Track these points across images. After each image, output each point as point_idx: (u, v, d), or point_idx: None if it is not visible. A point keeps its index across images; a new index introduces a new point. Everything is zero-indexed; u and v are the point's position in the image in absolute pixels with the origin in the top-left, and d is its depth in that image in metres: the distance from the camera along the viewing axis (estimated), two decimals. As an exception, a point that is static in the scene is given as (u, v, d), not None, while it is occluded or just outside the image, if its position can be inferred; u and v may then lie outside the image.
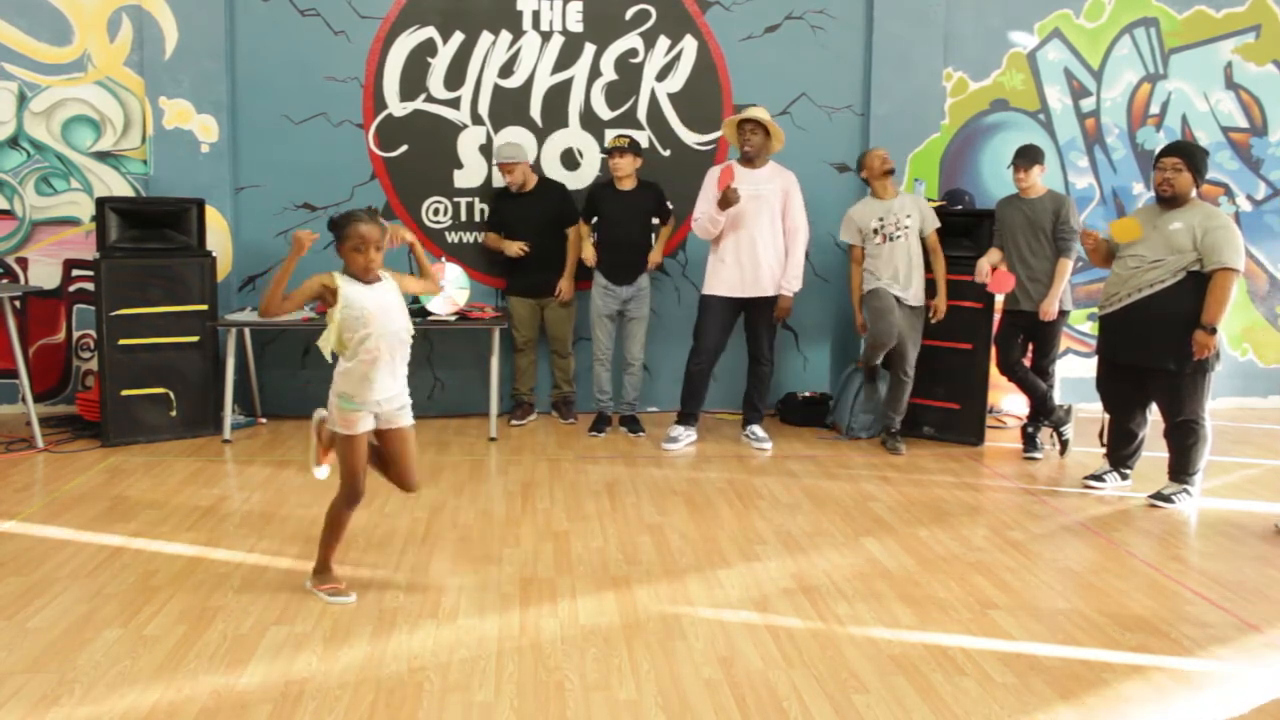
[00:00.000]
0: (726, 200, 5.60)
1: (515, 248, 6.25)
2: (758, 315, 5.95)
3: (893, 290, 5.87)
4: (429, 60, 6.54)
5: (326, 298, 3.53)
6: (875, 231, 5.89)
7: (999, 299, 5.89)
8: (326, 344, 3.56)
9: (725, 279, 5.86)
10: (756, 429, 6.04)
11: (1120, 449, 5.21)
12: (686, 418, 6.04)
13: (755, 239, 5.78)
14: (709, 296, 5.93)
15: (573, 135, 6.65)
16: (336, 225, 3.54)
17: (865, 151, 6.08)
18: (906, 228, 5.84)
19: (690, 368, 6.01)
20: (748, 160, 5.82)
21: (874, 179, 5.92)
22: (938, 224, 5.94)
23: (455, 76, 6.57)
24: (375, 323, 3.53)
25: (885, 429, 6.02)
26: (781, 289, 5.88)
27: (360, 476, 3.62)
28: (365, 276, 3.55)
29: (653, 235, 6.32)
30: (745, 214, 5.77)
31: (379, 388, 3.58)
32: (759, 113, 5.80)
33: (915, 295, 5.89)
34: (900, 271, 5.85)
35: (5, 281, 6.39)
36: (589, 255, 6.21)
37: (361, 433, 3.61)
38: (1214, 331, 4.70)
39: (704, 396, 6.06)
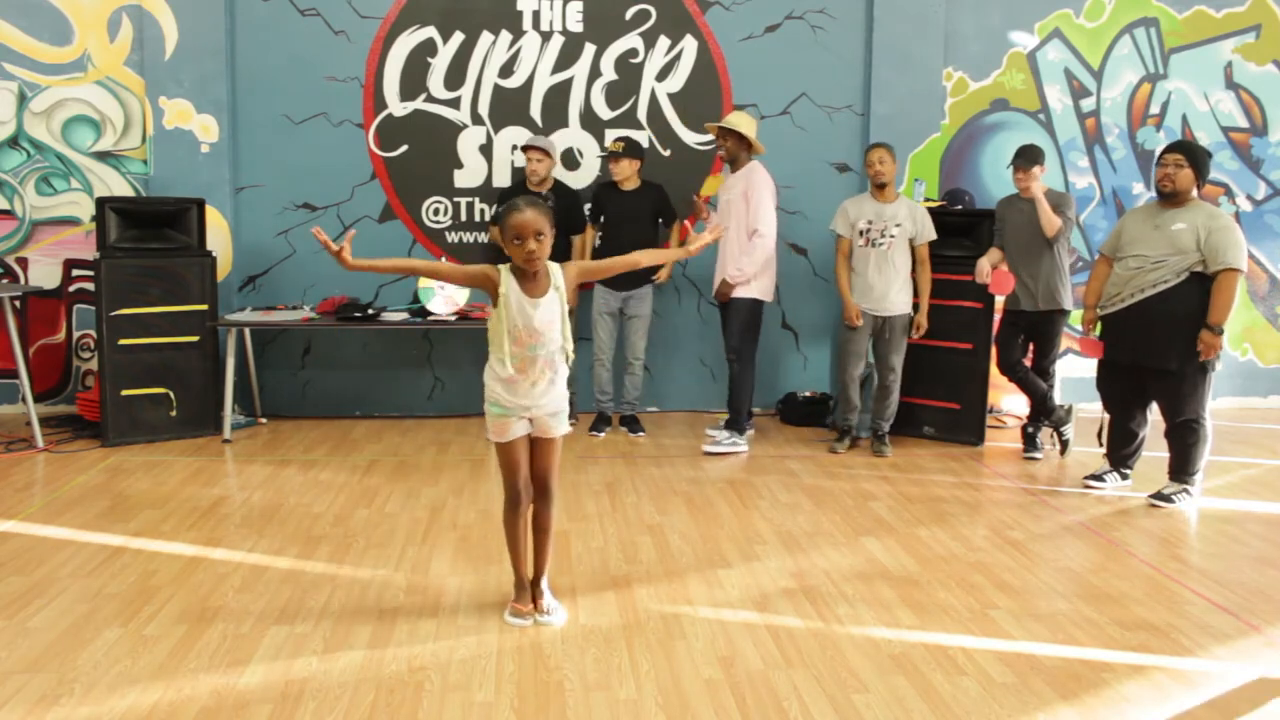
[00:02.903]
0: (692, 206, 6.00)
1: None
2: (724, 314, 5.98)
3: (865, 306, 5.83)
4: (429, 60, 6.54)
5: (488, 289, 3.33)
6: (861, 233, 5.85)
7: (999, 299, 5.89)
8: (502, 352, 3.37)
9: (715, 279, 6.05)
10: (718, 430, 5.97)
11: (1120, 449, 5.21)
12: (728, 422, 6.01)
13: (722, 243, 5.86)
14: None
15: (573, 135, 6.65)
16: (496, 218, 3.35)
17: (870, 146, 5.91)
18: (893, 236, 5.75)
19: None
20: (730, 164, 5.94)
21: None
22: (933, 236, 5.81)
23: (455, 76, 6.57)
24: (536, 339, 3.33)
25: (873, 432, 6.01)
26: (726, 272, 5.83)
27: (516, 477, 3.44)
28: (529, 269, 3.28)
29: (657, 237, 6.27)
30: (720, 219, 5.89)
31: (532, 394, 3.39)
32: (733, 120, 5.82)
33: (895, 305, 5.80)
34: (874, 282, 5.79)
35: (5, 281, 6.39)
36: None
37: (514, 439, 3.41)
38: (1220, 332, 4.70)
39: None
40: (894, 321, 5.83)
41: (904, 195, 5.96)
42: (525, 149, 6.19)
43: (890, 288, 5.79)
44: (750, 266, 5.77)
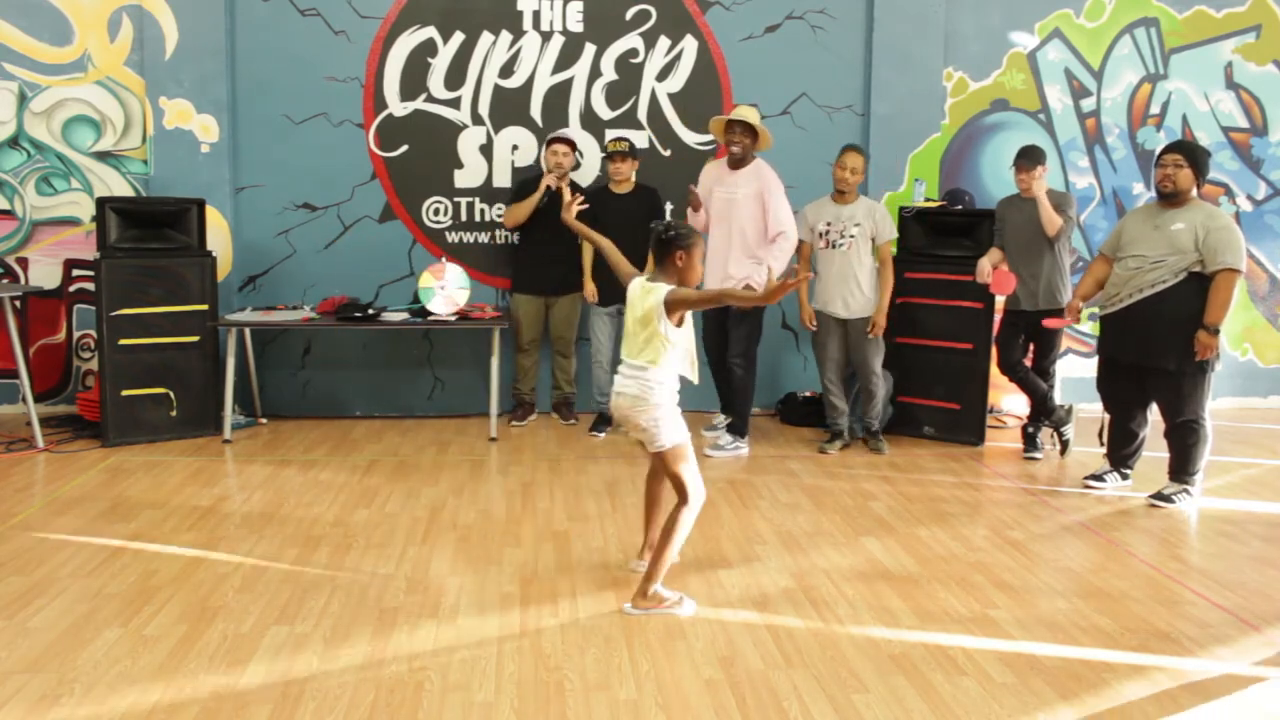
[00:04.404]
0: (690, 203, 5.84)
1: (551, 177, 6.16)
2: (726, 317, 5.88)
3: (829, 309, 5.83)
4: (429, 60, 6.54)
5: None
6: (821, 235, 5.85)
7: (999, 299, 5.88)
8: (687, 366, 3.63)
9: (706, 278, 5.91)
10: (721, 435, 5.95)
11: (1120, 449, 5.21)
12: (731, 425, 5.99)
13: (721, 243, 5.77)
14: None
15: (573, 136, 6.64)
16: (684, 235, 3.52)
17: (843, 148, 5.85)
18: (852, 236, 5.73)
19: None
20: (733, 161, 5.77)
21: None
22: (893, 235, 5.80)
23: (455, 76, 6.57)
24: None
25: (866, 429, 6.00)
26: (746, 278, 5.69)
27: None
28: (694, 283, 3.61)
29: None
30: (718, 217, 5.80)
31: None
32: (747, 113, 5.72)
33: (858, 308, 5.78)
34: (834, 284, 5.78)
35: (5, 281, 6.39)
36: (590, 292, 6.23)
37: None
38: (1216, 332, 4.70)
39: (727, 397, 6.01)
40: (859, 324, 5.81)
41: (866, 197, 5.91)
42: (552, 141, 6.20)
43: (851, 290, 5.77)
44: (779, 271, 5.67)
